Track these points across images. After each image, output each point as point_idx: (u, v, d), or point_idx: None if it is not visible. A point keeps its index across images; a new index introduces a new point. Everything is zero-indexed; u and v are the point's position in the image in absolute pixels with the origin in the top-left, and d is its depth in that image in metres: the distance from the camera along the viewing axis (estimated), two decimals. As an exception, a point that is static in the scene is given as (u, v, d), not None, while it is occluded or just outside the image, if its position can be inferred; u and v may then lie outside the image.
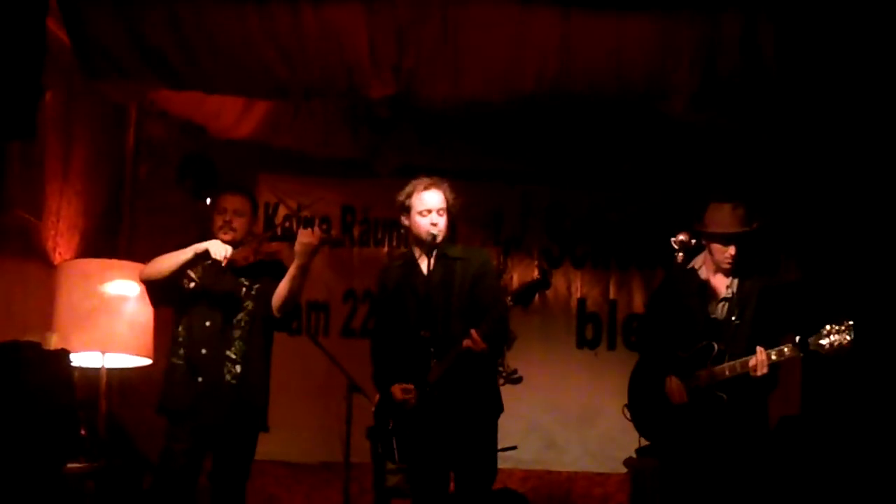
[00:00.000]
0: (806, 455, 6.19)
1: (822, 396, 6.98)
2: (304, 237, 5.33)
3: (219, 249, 5.38)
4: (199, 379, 5.40)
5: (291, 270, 5.38)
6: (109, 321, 6.01)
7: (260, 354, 5.55)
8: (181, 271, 5.47)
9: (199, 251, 5.41)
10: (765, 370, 5.18)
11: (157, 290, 5.59)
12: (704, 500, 5.34)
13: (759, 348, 5.19)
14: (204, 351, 5.43)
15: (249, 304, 5.51)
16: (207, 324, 5.46)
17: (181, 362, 5.46)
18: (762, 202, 6.91)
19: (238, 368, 5.44)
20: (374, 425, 5.48)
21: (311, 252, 5.34)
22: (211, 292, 5.50)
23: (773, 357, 5.19)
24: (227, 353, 5.44)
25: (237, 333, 5.47)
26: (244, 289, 5.52)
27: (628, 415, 5.69)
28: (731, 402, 5.32)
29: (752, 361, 5.20)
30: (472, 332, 5.05)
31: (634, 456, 6.87)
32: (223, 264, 5.39)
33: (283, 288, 5.43)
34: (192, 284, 5.53)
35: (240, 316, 5.49)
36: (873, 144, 6.13)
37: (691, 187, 7.12)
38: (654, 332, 5.67)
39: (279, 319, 5.55)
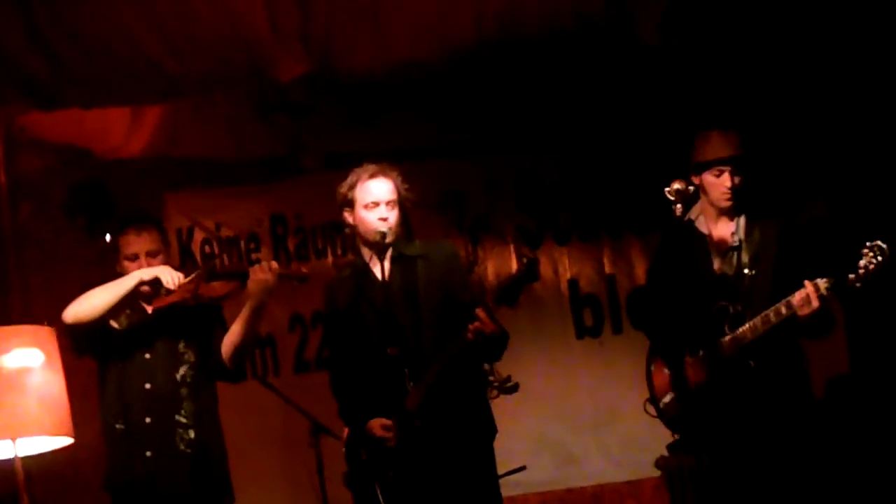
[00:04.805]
0: (863, 419, 6.29)
1: (875, 349, 7.08)
2: (259, 274, 5.30)
3: (171, 277, 5.34)
4: (148, 453, 5.40)
5: (244, 313, 5.37)
6: (14, 401, 5.93)
7: (211, 413, 5.57)
8: (121, 307, 5.45)
9: (145, 279, 5.38)
10: (815, 304, 5.16)
11: (84, 334, 5.53)
12: (749, 494, 5.36)
13: (806, 281, 5.20)
14: (148, 419, 5.43)
15: (191, 356, 5.52)
16: (147, 386, 5.45)
17: (122, 427, 5.46)
18: (771, 134, 7.10)
19: (192, 433, 5.44)
20: (349, 469, 5.49)
21: (269, 291, 5.33)
22: (143, 347, 5.47)
23: (823, 289, 5.11)
24: (177, 417, 5.44)
25: (184, 392, 5.47)
26: (182, 338, 5.52)
27: (653, 411, 5.74)
28: (761, 368, 5.37)
29: (797, 297, 5.21)
30: (479, 311, 5.03)
31: (667, 454, 6.94)
32: (174, 289, 5.34)
33: (235, 335, 5.42)
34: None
35: (183, 371, 5.49)
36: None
37: (685, 127, 7.20)
38: (660, 304, 5.71)
39: (230, 371, 5.55)
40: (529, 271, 5.12)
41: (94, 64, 5.60)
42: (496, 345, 5.23)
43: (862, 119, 7.09)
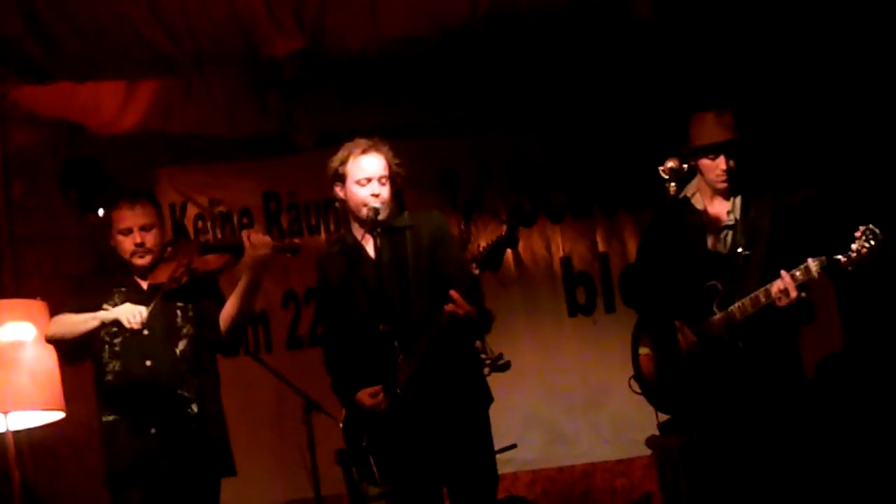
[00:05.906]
0: (856, 399, 6.29)
1: (869, 328, 7.09)
2: (255, 246, 5.32)
3: (131, 316, 5.31)
4: (153, 430, 5.41)
5: (241, 286, 5.40)
6: (6, 374, 5.98)
7: (213, 386, 5.60)
8: (88, 336, 5.46)
9: (106, 321, 5.39)
10: (793, 295, 5.20)
11: (67, 347, 5.60)
12: (739, 473, 5.37)
13: (782, 271, 5.20)
14: (152, 396, 5.45)
15: (189, 330, 5.53)
16: (148, 363, 5.45)
17: (117, 417, 5.45)
18: (767, 115, 7.11)
19: (196, 407, 5.47)
20: (345, 447, 5.50)
21: (264, 263, 5.36)
22: (142, 325, 5.45)
23: (800, 277, 5.14)
24: (180, 391, 5.46)
25: (185, 367, 5.49)
26: (179, 312, 5.54)
27: (637, 387, 5.75)
28: (750, 349, 5.36)
29: (774, 288, 5.22)
30: (452, 292, 5.04)
31: (657, 433, 6.94)
32: (139, 328, 5.31)
33: (232, 308, 5.45)
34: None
35: (182, 346, 5.51)
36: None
37: (677, 106, 7.21)
38: (651, 280, 5.72)
39: (226, 343, 5.59)
40: (509, 235, 5.13)
41: (88, 42, 5.58)
42: (475, 325, 5.23)
43: (855, 101, 7.09)
